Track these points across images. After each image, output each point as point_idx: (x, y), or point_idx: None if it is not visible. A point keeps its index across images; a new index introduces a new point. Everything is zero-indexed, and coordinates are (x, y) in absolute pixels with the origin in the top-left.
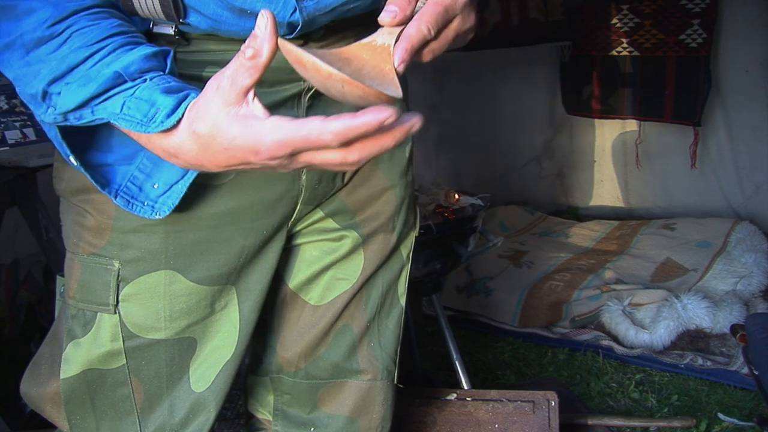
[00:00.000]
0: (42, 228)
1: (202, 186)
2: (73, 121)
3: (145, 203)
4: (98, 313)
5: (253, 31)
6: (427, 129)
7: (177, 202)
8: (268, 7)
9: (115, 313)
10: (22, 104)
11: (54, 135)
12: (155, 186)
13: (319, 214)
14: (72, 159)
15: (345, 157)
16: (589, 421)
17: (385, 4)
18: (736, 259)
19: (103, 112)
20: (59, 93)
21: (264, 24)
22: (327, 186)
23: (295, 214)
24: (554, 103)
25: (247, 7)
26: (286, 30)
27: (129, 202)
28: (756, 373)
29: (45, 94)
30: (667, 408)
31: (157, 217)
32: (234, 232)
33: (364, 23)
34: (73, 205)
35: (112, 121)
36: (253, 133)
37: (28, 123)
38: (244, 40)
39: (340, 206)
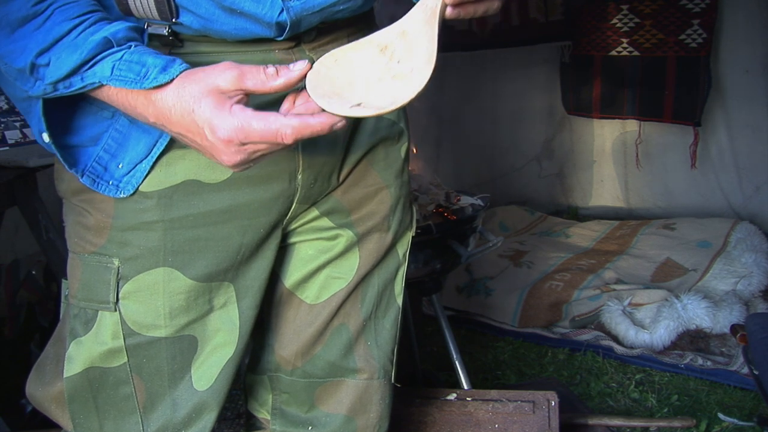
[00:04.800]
0: (42, 228)
1: (200, 184)
2: (62, 90)
3: (110, 182)
4: (99, 311)
5: (291, 65)
6: (427, 129)
7: (141, 181)
8: (255, 8)
9: (116, 310)
10: None
11: (35, 112)
12: (120, 166)
13: (314, 212)
14: (45, 136)
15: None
16: (589, 421)
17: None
18: (736, 259)
19: (93, 77)
20: (48, 64)
21: (302, 65)
22: (322, 185)
23: (290, 213)
24: (554, 103)
25: (236, 7)
26: (276, 31)
27: (95, 181)
28: (756, 373)
29: (33, 67)
30: (667, 408)
31: (121, 195)
32: (231, 230)
33: (356, 25)
34: (74, 205)
35: (104, 83)
36: (221, 109)
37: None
38: (237, 42)
39: (335, 205)
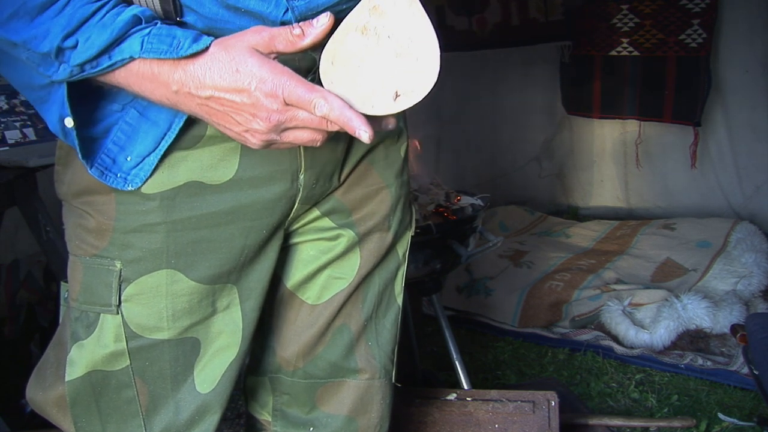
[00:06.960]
0: (42, 228)
1: (203, 185)
2: (88, 70)
3: (118, 175)
4: (101, 314)
5: (312, 20)
6: (427, 129)
7: (149, 174)
8: (260, 6)
9: (118, 313)
10: (22, 104)
11: (55, 99)
12: (128, 158)
13: (315, 213)
14: (68, 120)
15: (316, 132)
16: (589, 421)
17: None
18: (736, 259)
19: (121, 53)
20: (75, 46)
21: (325, 20)
22: (324, 186)
23: (292, 213)
24: (554, 103)
25: (241, 6)
26: None
27: (103, 173)
28: (756, 373)
29: (59, 51)
30: (667, 408)
31: (129, 188)
32: (234, 231)
33: None
34: (75, 207)
35: (135, 57)
36: (268, 64)
37: (28, 123)
38: None
39: (336, 205)
